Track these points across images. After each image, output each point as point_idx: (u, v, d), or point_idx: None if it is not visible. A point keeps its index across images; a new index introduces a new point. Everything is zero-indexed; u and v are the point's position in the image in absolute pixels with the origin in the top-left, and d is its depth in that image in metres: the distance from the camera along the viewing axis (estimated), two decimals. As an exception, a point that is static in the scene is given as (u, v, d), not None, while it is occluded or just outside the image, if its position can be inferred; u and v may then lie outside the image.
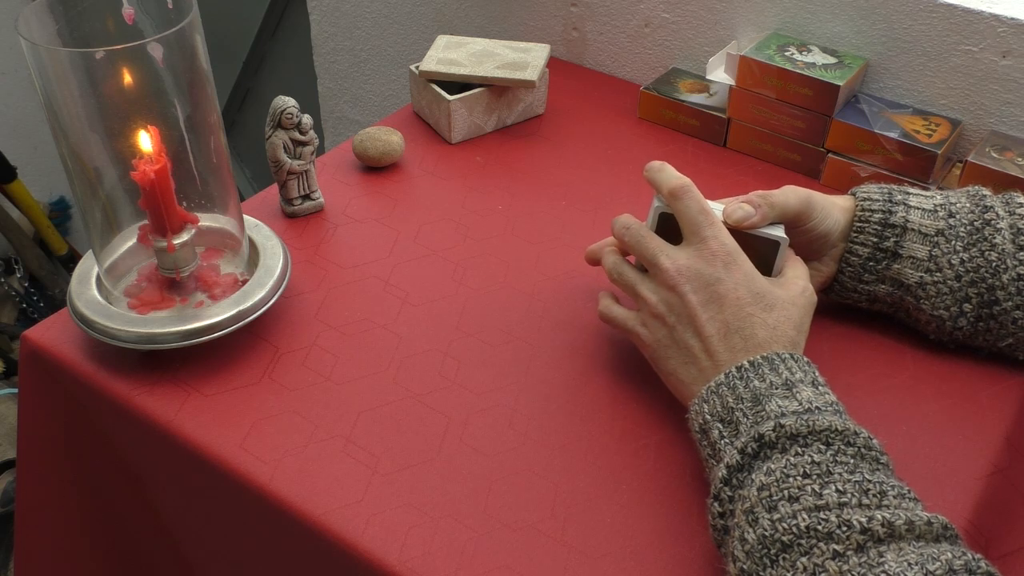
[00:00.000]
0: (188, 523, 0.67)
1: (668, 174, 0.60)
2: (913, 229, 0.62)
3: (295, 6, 1.73)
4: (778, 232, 0.60)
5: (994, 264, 0.60)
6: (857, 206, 0.64)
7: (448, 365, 0.65)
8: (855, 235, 0.63)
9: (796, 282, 0.59)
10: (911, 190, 0.64)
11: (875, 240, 0.62)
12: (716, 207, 0.60)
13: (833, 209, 0.63)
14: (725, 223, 0.59)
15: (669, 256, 0.58)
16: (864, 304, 0.66)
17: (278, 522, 0.56)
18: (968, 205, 0.62)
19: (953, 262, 0.61)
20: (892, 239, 0.62)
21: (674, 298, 0.57)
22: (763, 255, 0.60)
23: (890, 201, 0.63)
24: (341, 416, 0.61)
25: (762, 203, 0.60)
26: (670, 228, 0.60)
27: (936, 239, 0.61)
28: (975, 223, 0.61)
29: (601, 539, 0.53)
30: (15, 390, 1.65)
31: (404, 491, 0.56)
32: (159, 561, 0.73)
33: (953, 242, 0.61)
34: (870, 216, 0.63)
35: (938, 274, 0.61)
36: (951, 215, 0.62)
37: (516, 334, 0.67)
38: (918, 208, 0.63)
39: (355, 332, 0.67)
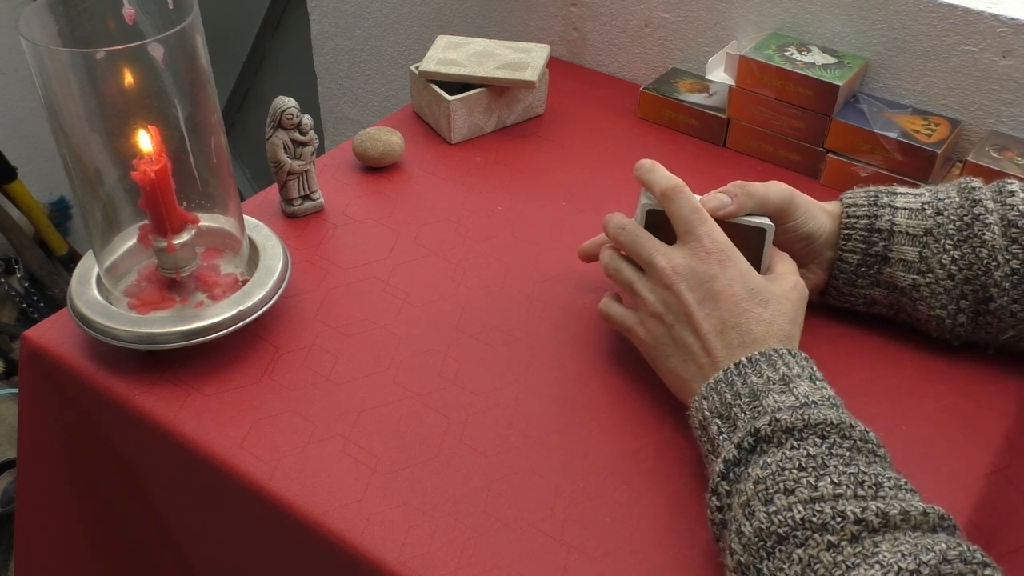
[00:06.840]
0: (188, 523, 0.67)
1: (659, 175, 0.60)
2: (900, 231, 0.62)
3: (295, 6, 1.74)
4: (763, 220, 0.60)
5: (985, 261, 0.60)
6: (843, 212, 0.64)
7: (448, 365, 0.65)
8: (843, 243, 0.63)
9: (787, 277, 0.59)
10: (899, 189, 0.64)
11: (863, 247, 0.63)
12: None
13: (818, 212, 0.63)
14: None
15: (665, 255, 0.58)
16: (863, 308, 0.66)
17: (278, 522, 0.56)
18: (957, 199, 0.62)
19: (944, 262, 0.61)
20: (880, 243, 0.62)
21: (670, 296, 0.58)
22: (751, 245, 0.60)
23: (875, 205, 0.63)
24: (341, 416, 0.61)
25: (739, 192, 0.60)
26: (658, 224, 0.60)
27: (925, 239, 0.61)
28: (964, 218, 0.61)
29: (601, 539, 0.53)
30: (15, 390, 1.65)
31: (404, 491, 0.56)
32: (159, 561, 0.73)
33: (943, 241, 0.61)
34: (856, 223, 0.63)
35: (930, 275, 0.61)
36: (939, 212, 0.61)
37: (516, 334, 0.67)
38: (905, 208, 0.62)
39: (355, 332, 0.67)
